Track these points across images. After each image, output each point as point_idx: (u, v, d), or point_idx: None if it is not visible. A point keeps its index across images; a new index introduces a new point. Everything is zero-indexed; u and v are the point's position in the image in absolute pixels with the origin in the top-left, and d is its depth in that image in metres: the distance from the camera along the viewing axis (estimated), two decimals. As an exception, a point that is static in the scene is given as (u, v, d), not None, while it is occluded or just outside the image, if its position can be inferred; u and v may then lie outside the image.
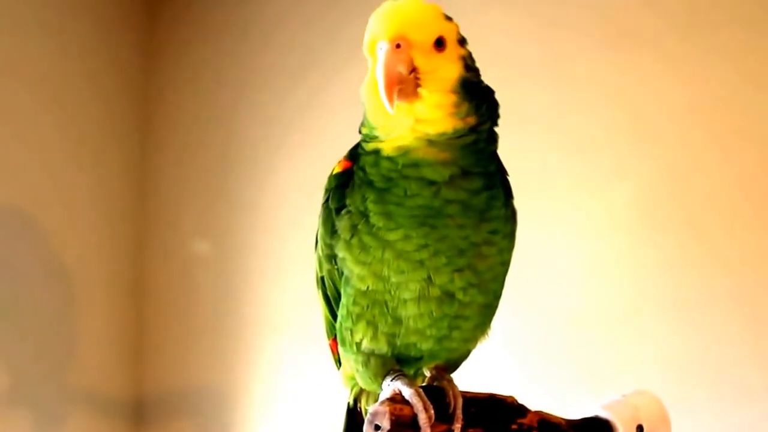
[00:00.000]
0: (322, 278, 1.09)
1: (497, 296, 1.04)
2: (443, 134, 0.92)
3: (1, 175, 2.16)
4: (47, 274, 2.24)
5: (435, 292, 0.95)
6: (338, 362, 1.17)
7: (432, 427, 0.93)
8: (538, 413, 1.03)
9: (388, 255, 0.94)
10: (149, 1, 2.67)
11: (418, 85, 0.90)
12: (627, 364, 1.83)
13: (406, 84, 0.89)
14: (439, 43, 0.92)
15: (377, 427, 0.92)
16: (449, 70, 0.92)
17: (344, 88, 2.24)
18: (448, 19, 0.95)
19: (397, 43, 0.89)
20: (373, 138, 0.96)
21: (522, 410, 1.02)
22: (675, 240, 1.81)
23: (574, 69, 1.96)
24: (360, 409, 1.19)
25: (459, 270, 0.95)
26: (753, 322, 1.70)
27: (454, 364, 1.09)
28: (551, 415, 1.04)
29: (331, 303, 1.09)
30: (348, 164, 1.02)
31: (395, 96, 0.88)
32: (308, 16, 2.41)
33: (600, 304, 1.88)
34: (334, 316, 1.08)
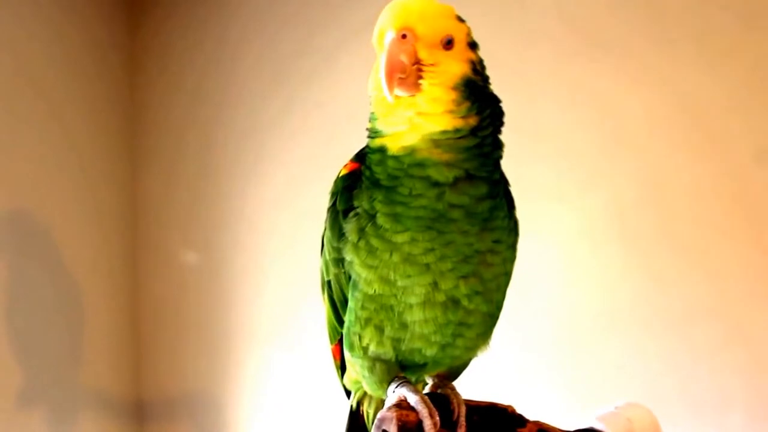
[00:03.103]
0: (329, 282, 1.08)
1: (499, 307, 1.05)
2: (444, 132, 0.92)
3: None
4: (54, 287, 2.38)
5: (440, 297, 0.96)
6: (339, 369, 1.16)
7: (436, 433, 0.94)
8: (537, 423, 1.05)
9: (395, 258, 0.94)
10: (131, 13, 2.68)
11: (420, 78, 0.90)
12: (608, 373, 1.84)
13: (408, 74, 0.89)
14: (448, 42, 0.93)
15: (384, 432, 0.93)
16: (453, 67, 0.92)
17: (327, 94, 2.21)
18: (461, 21, 0.96)
19: (403, 33, 0.90)
20: (378, 132, 0.96)
21: (521, 420, 1.04)
22: (654, 249, 1.82)
23: (549, 77, 1.96)
24: (362, 412, 1.19)
25: (464, 277, 0.96)
26: (734, 332, 1.72)
27: (456, 372, 1.10)
28: (550, 425, 1.05)
29: (337, 307, 1.08)
30: (355, 166, 1.02)
31: (395, 83, 0.89)
32: (287, 22, 2.37)
33: (579, 315, 1.89)
34: (339, 321, 1.08)
